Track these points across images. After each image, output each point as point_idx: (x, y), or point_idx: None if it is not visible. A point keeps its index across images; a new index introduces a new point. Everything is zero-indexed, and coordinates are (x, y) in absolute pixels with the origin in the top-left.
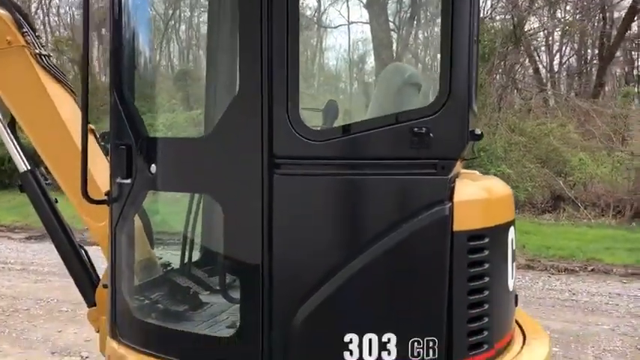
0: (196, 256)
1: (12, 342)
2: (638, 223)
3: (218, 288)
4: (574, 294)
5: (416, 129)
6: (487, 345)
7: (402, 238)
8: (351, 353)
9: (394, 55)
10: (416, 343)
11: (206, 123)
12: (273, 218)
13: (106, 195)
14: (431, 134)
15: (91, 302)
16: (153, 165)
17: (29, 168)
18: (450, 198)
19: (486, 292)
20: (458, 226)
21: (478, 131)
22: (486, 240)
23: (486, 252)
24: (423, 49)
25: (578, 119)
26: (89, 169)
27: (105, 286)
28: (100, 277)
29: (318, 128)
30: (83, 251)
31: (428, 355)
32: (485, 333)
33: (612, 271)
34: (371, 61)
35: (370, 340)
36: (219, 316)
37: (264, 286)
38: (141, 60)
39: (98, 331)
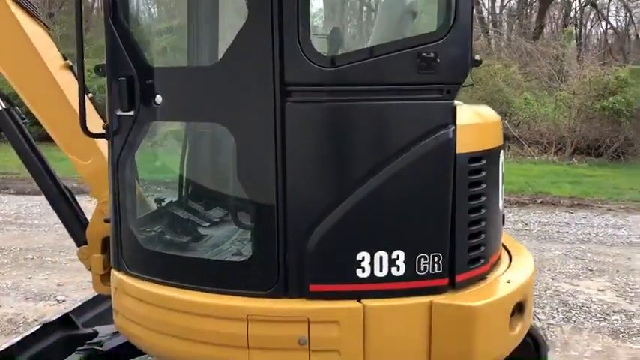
0: (196, 189)
1: None
2: (578, 158)
3: (217, 220)
4: (527, 224)
5: (424, 54)
6: (483, 259)
7: (409, 161)
8: (364, 270)
9: None
10: (422, 259)
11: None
12: (285, 145)
13: (104, 128)
14: (438, 59)
15: (80, 241)
16: (158, 96)
17: (4, 107)
18: (453, 122)
19: (483, 211)
20: (460, 148)
21: (477, 57)
22: (483, 162)
23: (483, 173)
24: None
25: (521, 60)
26: (70, 104)
27: (107, 221)
28: (87, 216)
29: (326, 54)
30: (67, 191)
31: (433, 269)
32: (482, 248)
33: (559, 202)
34: None
35: (381, 257)
36: (227, 245)
37: (279, 211)
38: None
39: (90, 269)
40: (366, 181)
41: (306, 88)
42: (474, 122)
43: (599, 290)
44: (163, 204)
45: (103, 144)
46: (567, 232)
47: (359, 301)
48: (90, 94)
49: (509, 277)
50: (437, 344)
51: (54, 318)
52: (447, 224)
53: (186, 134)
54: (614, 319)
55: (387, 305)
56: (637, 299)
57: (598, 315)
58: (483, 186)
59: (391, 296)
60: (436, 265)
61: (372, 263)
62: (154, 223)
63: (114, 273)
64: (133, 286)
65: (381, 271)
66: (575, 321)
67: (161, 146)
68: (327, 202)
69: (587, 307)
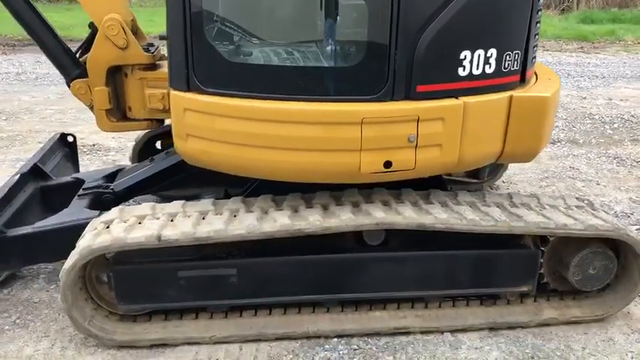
0: None
1: None
2: None
3: (320, 27)
4: None
5: None
6: (534, 59)
7: None
8: (464, 69)
9: None
10: (507, 57)
11: None
12: None
13: None
14: None
15: (72, 74)
16: None
17: None
18: None
19: (539, 14)
20: None
21: None
22: None
23: None
24: None
25: None
26: None
27: (163, 38)
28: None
29: None
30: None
31: (513, 66)
32: (536, 49)
33: None
34: None
35: (479, 55)
36: (331, 52)
37: (393, 15)
38: None
39: (90, 105)
40: None
41: None
42: None
43: None
44: (249, 14)
45: None
46: None
47: (457, 98)
48: None
49: (547, 76)
50: (513, 130)
51: (26, 169)
52: (527, 23)
53: None
54: None
55: (480, 101)
56: None
57: None
58: None
59: (482, 93)
60: (516, 62)
61: (471, 62)
62: (240, 36)
63: (180, 95)
64: (219, 104)
65: (477, 69)
66: None
67: None
68: (435, 6)
69: None
